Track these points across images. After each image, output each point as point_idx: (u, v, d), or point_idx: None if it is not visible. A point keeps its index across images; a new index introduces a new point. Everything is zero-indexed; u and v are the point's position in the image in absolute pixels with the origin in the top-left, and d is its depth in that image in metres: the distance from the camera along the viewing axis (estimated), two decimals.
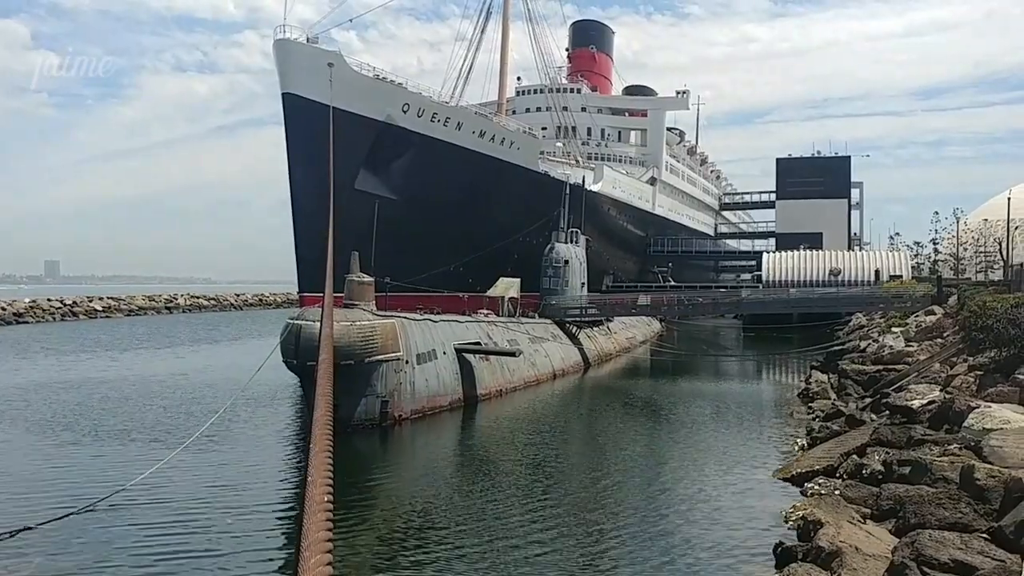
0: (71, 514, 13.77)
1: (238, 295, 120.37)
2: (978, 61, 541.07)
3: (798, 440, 20.39)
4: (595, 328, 45.01)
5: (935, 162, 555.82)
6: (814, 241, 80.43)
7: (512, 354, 30.58)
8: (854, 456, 15.37)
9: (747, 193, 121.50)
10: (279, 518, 14.26)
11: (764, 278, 69.25)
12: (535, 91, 75.94)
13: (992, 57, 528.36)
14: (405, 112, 46.09)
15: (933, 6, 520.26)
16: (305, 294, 40.48)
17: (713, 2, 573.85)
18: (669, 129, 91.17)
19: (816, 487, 14.42)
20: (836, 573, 9.44)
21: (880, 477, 13.55)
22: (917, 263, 74.62)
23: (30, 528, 13.01)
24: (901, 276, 61.15)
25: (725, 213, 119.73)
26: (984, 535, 9.79)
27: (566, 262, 41.64)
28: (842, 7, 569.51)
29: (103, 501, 14.41)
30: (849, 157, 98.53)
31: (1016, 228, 53.02)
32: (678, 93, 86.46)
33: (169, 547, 12.47)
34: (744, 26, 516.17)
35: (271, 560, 12.08)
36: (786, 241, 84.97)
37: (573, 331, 41.44)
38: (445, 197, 47.21)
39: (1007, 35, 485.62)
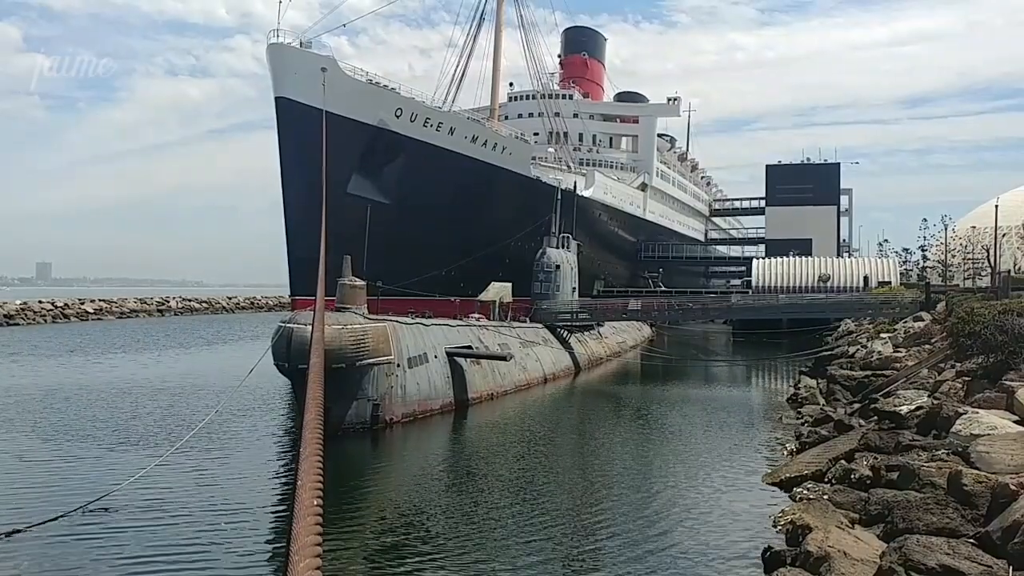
0: (60, 517, 13.69)
1: (230, 298, 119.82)
2: (962, 71, 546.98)
3: (787, 445, 20.47)
4: (586, 333, 45.04)
5: (921, 170, 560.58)
6: (803, 247, 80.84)
7: (503, 358, 30.61)
8: (842, 461, 15.42)
9: (737, 199, 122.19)
10: (268, 522, 14.20)
11: (754, 284, 69.56)
12: (527, 97, 76.13)
13: (975, 67, 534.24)
14: (398, 117, 46.13)
15: (917, 16, 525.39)
16: (297, 297, 40.46)
17: (700, 11, 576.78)
18: (660, 135, 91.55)
19: (805, 492, 14.48)
20: None
21: (868, 482, 13.61)
22: (905, 269, 75.18)
23: (20, 531, 12.95)
24: (890, 282, 61.54)
25: (715, 219, 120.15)
26: (971, 540, 9.84)
27: (557, 267, 41.70)
28: (827, 16, 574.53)
29: (92, 504, 14.32)
30: (838, 164, 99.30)
31: (1003, 235, 53.52)
32: (669, 100, 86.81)
33: (157, 551, 12.41)
34: (731, 35, 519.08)
35: (260, 564, 12.04)
36: (776, 247, 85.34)
37: (564, 335, 41.48)
38: (437, 201, 47.24)
39: (990, 46, 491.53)
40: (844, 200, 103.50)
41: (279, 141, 42.93)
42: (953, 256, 65.71)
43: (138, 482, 15.58)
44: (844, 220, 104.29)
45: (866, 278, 64.90)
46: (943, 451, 13.77)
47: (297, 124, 40.82)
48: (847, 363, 33.67)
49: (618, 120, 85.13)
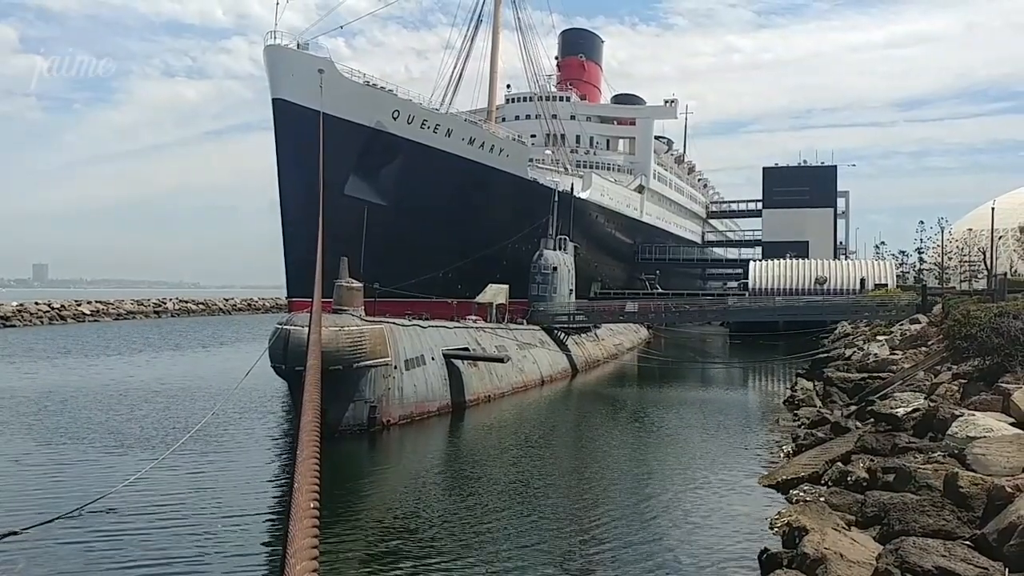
0: (56, 519, 13.67)
1: (227, 300, 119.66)
2: (959, 73, 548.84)
3: (784, 447, 20.48)
4: (583, 335, 45.08)
5: (917, 172, 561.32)
6: (800, 250, 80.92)
7: (500, 360, 30.63)
8: (839, 463, 15.43)
9: (734, 202, 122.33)
10: (265, 525, 14.18)
11: (750, 286, 69.63)
12: (524, 99, 76.10)
13: (973, 68, 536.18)
14: (395, 119, 46.12)
15: (914, 19, 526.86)
16: (294, 299, 40.41)
17: (697, 13, 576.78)
18: (657, 138, 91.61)
19: (801, 494, 14.49)
20: None
21: (865, 484, 13.63)
22: (902, 272, 75.26)
23: (15, 533, 12.92)
24: (886, 285, 61.58)
25: (712, 221, 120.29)
26: (967, 542, 9.87)
27: (554, 269, 41.71)
28: (823, 19, 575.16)
29: (88, 506, 14.30)
30: (835, 166, 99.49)
31: (1000, 238, 53.69)
32: (666, 102, 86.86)
33: (153, 553, 12.40)
34: (727, 37, 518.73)
35: (257, 566, 12.04)
36: (772, 249, 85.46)
37: (561, 337, 41.50)
38: (434, 203, 47.23)
39: (987, 48, 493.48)
40: (841, 202, 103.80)
41: (276, 142, 42.89)
42: (949, 259, 65.81)
43: (135, 484, 15.57)
44: (841, 222, 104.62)
45: (863, 280, 65.00)
46: (939, 453, 13.80)
47: (294, 125, 40.82)
48: (844, 365, 33.74)
49: (615, 122, 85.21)
